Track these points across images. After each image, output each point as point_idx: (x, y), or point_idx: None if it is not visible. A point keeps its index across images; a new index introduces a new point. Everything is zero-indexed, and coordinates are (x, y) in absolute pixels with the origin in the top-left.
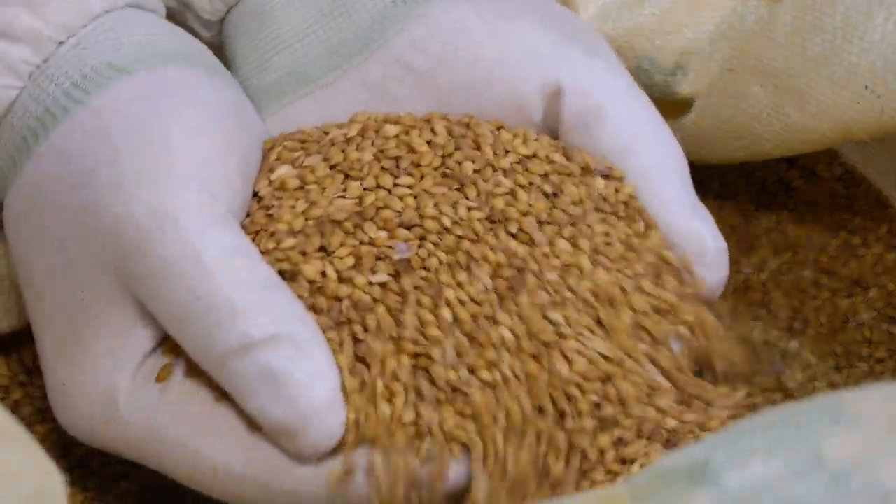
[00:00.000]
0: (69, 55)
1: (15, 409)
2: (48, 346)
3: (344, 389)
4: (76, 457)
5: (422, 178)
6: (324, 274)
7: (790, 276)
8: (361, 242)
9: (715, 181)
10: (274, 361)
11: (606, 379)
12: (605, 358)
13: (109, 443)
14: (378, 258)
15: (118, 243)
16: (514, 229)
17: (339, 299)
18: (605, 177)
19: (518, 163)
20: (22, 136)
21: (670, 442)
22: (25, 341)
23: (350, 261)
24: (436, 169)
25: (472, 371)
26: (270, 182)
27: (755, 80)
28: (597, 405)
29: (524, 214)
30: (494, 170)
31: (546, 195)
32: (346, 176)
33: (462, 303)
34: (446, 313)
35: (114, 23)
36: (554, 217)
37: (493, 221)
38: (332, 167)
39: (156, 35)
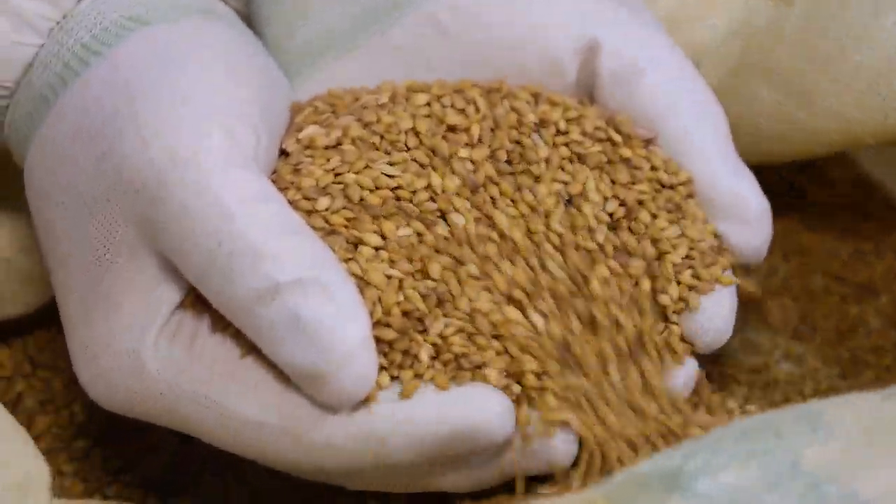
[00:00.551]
0: (88, 10)
1: (18, 400)
2: (72, 308)
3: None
4: (78, 449)
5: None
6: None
7: (800, 281)
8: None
9: None
10: (301, 306)
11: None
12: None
13: (133, 403)
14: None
15: (139, 192)
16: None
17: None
18: (647, 141)
19: (566, 145)
20: (42, 93)
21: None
22: (29, 331)
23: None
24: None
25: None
26: (298, 140)
27: (763, 80)
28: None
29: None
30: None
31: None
32: (382, 138)
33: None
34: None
35: None
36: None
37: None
38: (365, 127)
39: None
